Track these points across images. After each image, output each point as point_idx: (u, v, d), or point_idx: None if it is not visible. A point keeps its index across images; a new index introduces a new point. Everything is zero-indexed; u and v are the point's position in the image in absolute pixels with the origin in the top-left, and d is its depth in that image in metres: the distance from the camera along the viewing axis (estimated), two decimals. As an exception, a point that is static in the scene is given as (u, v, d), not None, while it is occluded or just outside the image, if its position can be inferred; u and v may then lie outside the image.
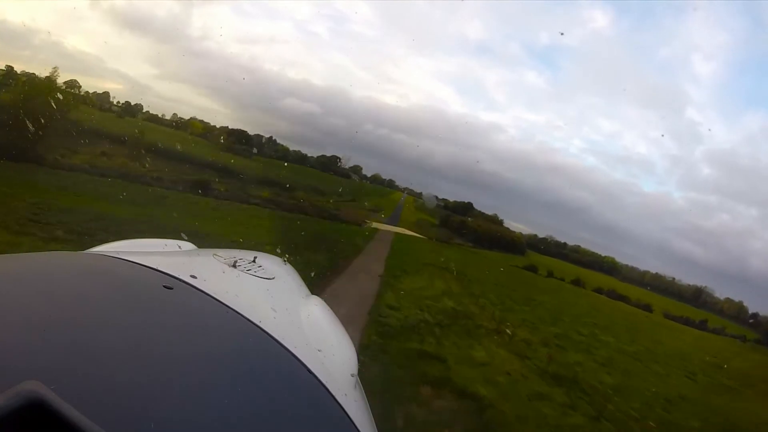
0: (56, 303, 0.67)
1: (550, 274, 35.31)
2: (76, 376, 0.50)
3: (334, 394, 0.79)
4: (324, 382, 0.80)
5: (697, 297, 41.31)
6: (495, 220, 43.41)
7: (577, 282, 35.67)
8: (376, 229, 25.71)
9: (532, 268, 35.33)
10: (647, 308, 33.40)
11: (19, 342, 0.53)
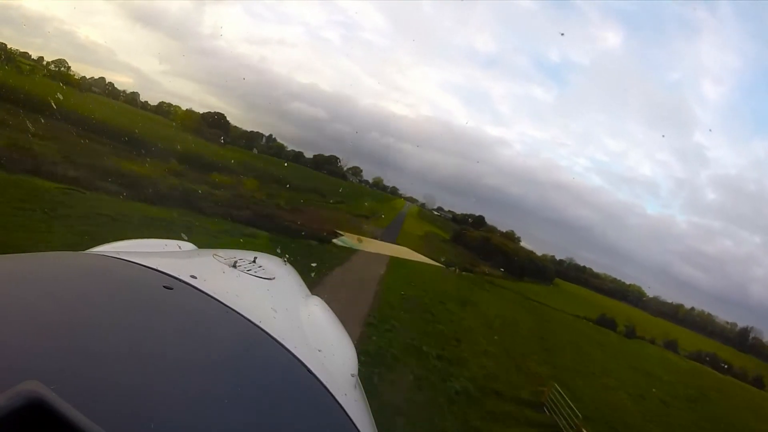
0: (56, 303, 0.67)
1: (631, 333, 28.90)
2: (76, 376, 0.50)
3: (334, 394, 0.79)
4: (324, 382, 0.80)
5: (744, 339, 36.21)
6: (512, 237, 38.71)
7: (671, 345, 29.55)
8: (354, 251, 15.09)
9: (608, 323, 28.69)
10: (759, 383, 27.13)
11: (19, 342, 0.53)
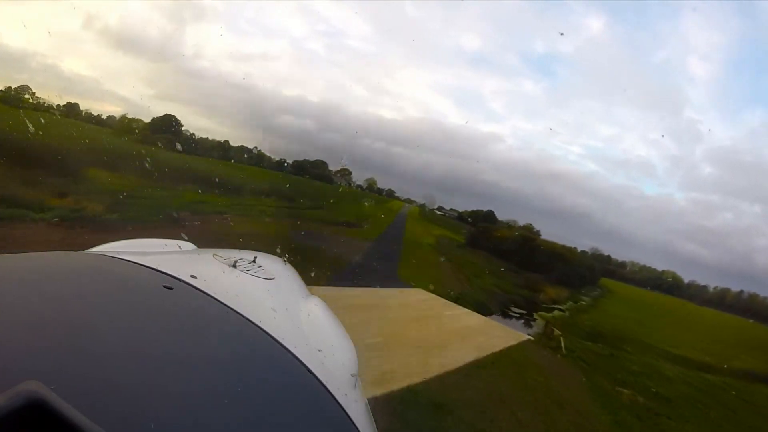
0: (56, 303, 0.67)
1: None
2: (76, 376, 0.50)
3: (334, 394, 0.79)
4: (324, 382, 0.81)
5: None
6: (531, 231, 29.28)
7: None
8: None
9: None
10: None
11: (19, 342, 0.53)
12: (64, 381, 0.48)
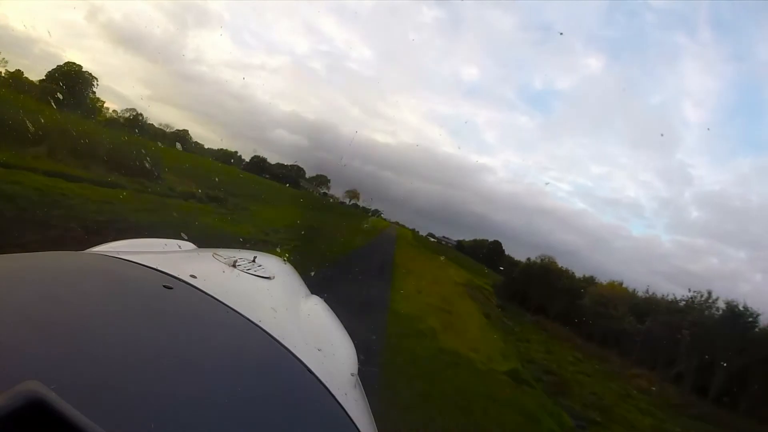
0: (56, 303, 0.67)
1: None
2: (76, 376, 0.50)
3: (334, 393, 0.79)
4: (324, 381, 0.81)
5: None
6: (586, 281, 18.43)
7: None
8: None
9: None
10: None
11: (19, 342, 0.53)
12: (64, 381, 0.48)
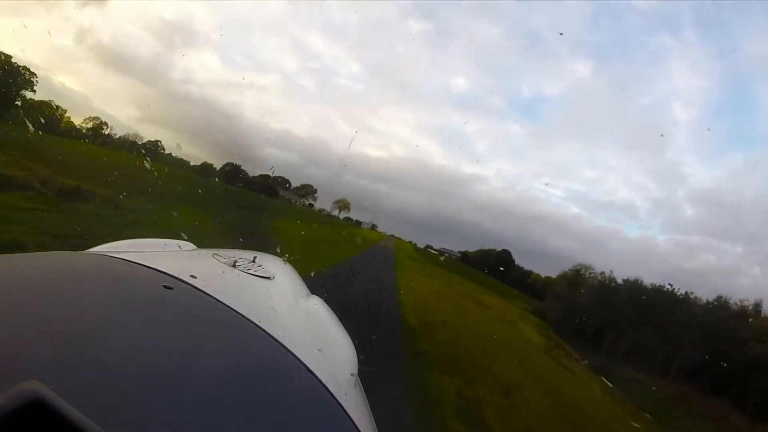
0: (56, 303, 0.67)
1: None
2: (76, 376, 0.50)
3: (334, 393, 0.79)
4: (324, 381, 0.81)
5: None
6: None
7: None
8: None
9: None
10: None
11: (19, 342, 0.53)
12: (64, 381, 0.48)
